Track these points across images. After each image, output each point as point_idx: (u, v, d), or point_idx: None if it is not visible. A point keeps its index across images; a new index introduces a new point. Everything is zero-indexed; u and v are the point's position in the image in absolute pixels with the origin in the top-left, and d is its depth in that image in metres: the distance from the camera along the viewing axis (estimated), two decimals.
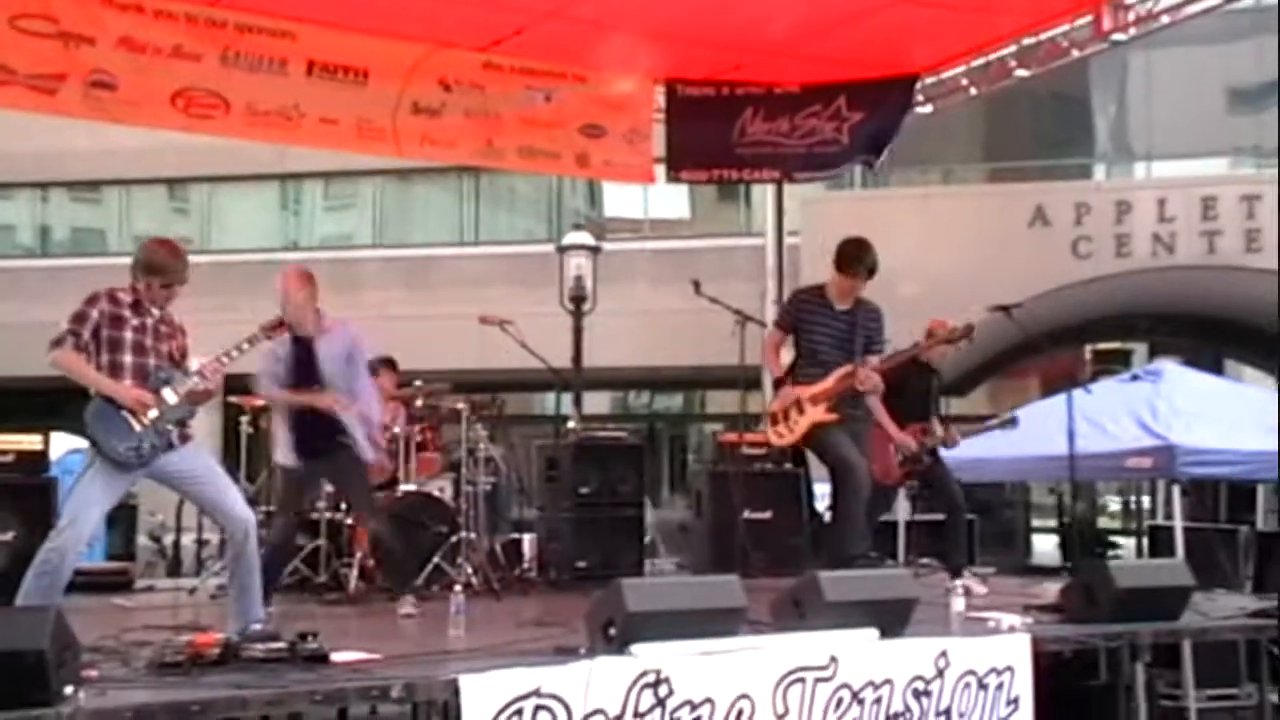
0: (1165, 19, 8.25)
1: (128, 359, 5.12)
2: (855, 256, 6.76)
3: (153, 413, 5.07)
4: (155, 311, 5.24)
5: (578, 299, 12.58)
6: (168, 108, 7.74)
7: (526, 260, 17.84)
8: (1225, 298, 15.61)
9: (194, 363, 5.33)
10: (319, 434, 6.28)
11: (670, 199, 19.42)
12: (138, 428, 5.04)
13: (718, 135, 9.36)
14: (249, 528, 5.20)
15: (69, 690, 3.57)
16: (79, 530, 4.96)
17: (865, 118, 9.24)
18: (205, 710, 3.73)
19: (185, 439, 5.22)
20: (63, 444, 8.04)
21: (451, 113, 8.62)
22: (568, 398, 10.68)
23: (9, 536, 6.53)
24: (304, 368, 6.28)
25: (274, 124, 8.12)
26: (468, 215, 20.63)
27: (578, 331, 12.23)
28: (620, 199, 19.92)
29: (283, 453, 6.39)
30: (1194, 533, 9.14)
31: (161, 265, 5.25)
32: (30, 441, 7.06)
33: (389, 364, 8.39)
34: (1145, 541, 12.29)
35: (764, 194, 12.40)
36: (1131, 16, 8.27)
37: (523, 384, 14.90)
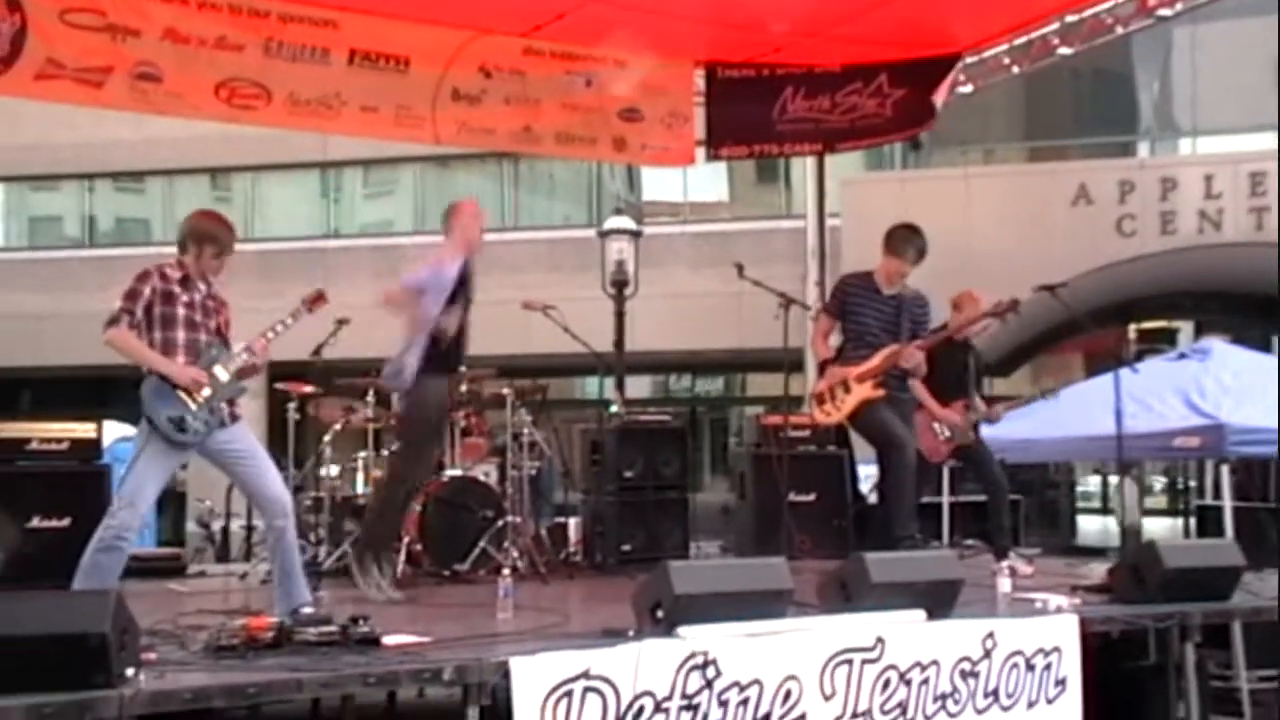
0: None
1: (180, 335, 5.18)
2: (905, 240, 6.80)
3: (206, 391, 5.14)
4: (202, 287, 5.30)
5: (619, 283, 12.59)
6: (211, 99, 7.80)
7: (567, 245, 17.90)
8: (1274, 274, 15.42)
9: (237, 346, 5.38)
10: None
11: (709, 182, 19.40)
12: (193, 406, 5.10)
13: (758, 113, 9.34)
14: (287, 510, 5.24)
15: (129, 672, 3.64)
16: (137, 509, 5.04)
17: (907, 94, 9.19)
18: (261, 692, 3.81)
19: (235, 417, 5.29)
20: (112, 432, 8.14)
21: (491, 99, 8.64)
22: (609, 381, 10.70)
23: (64, 523, 6.64)
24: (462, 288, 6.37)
25: (315, 113, 8.17)
26: (508, 201, 20.70)
27: (619, 315, 12.24)
28: (659, 182, 19.91)
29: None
30: (1244, 512, 9.05)
31: (212, 233, 5.31)
32: (84, 430, 7.16)
33: None
34: (1193, 521, 12.17)
35: (803, 176, 12.37)
36: None
37: (564, 368, 14.99)
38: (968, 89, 9.52)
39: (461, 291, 6.31)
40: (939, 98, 9.06)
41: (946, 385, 7.34)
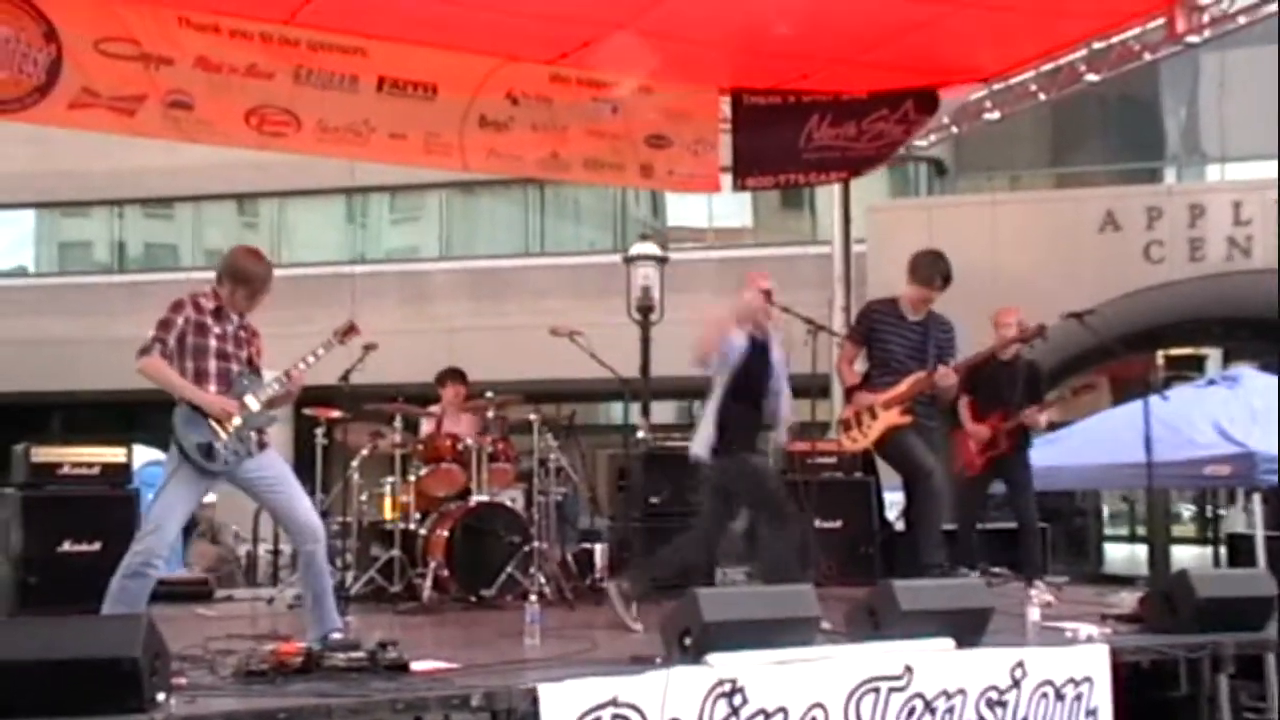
0: (1241, 19, 8.12)
1: (212, 365, 5.22)
2: (930, 266, 6.81)
3: (237, 420, 5.17)
4: (235, 318, 5.34)
5: (645, 309, 12.59)
6: (242, 126, 7.90)
7: (592, 271, 17.92)
8: None
9: (268, 374, 5.42)
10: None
11: (733, 208, 19.42)
12: (223, 435, 5.14)
13: (785, 142, 9.37)
14: (318, 536, 5.26)
15: (161, 697, 3.65)
16: (164, 535, 5.07)
17: (932, 120, 9.21)
18: (290, 717, 3.80)
19: (263, 445, 5.31)
20: (141, 456, 8.20)
21: (519, 126, 8.71)
22: (635, 407, 10.69)
23: (95, 547, 6.68)
24: (759, 367, 6.31)
25: (344, 140, 8.26)
26: (533, 226, 20.78)
27: (645, 341, 12.25)
28: (683, 209, 19.96)
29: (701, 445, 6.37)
30: (1276, 541, 8.96)
31: (250, 274, 5.34)
32: (114, 454, 7.21)
33: (457, 375, 8.47)
34: (1224, 551, 12.06)
35: (828, 202, 12.35)
36: (1206, 18, 8.13)
37: (590, 394, 14.98)
38: (995, 115, 9.53)
39: (758, 362, 6.29)
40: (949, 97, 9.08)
41: (985, 402, 7.44)
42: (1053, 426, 10.55)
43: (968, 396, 7.40)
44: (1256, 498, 9.22)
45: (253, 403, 5.25)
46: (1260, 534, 8.87)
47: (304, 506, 5.31)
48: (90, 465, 7.09)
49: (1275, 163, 16.95)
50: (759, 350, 6.28)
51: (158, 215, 22.59)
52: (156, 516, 5.11)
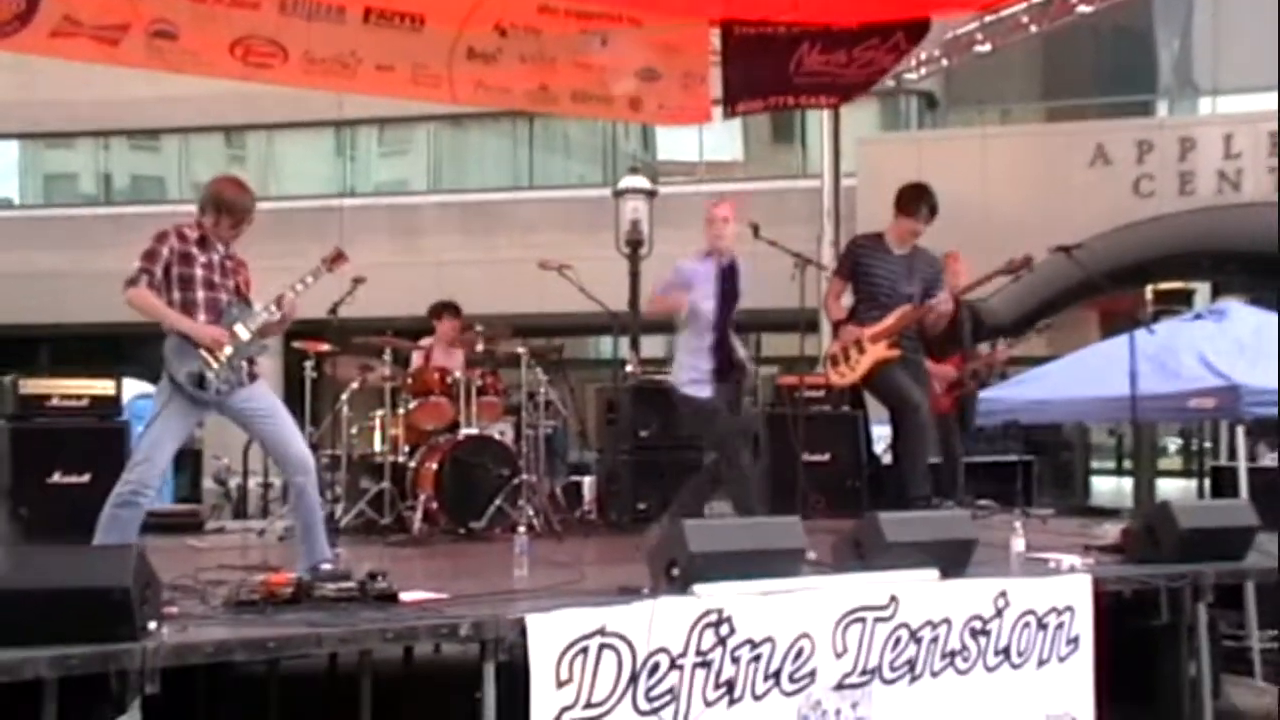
0: None
1: (200, 295, 5.18)
2: (916, 199, 6.80)
3: (228, 350, 5.15)
4: (220, 248, 5.29)
5: (634, 243, 12.55)
6: (227, 57, 7.80)
7: (582, 204, 17.85)
8: None
9: (258, 304, 5.40)
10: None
11: (723, 141, 19.32)
12: (214, 365, 5.11)
13: (774, 67, 9.31)
14: (308, 468, 5.26)
15: (152, 625, 3.68)
16: (155, 465, 5.06)
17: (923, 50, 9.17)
18: (280, 646, 3.85)
19: (254, 376, 5.30)
20: (130, 389, 8.21)
21: (506, 58, 8.63)
22: (624, 341, 10.70)
23: (85, 479, 6.71)
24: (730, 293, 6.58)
25: (331, 72, 8.17)
26: (522, 160, 20.65)
27: (634, 275, 12.23)
28: (674, 142, 19.84)
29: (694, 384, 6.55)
30: (1258, 473, 9.02)
31: (233, 203, 5.28)
32: (104, 387, 7.22)
33: (451, 309, 8.46)
34: (1207, 482, 12.16)
35: (819, 135, 12.31)
36: None
37: (579, 328, 14.99)
38: (986, 48, 9.47)
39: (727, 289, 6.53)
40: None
41: (940, 343, 7.51)
42: (1023, 362, 10.74)
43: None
44: (1240, 430, 9.27)
45: (243, 331, 5.22)
46: (1243, 466, 8.93)
47: (295, 439, 5.30)
48: (79, 397, 7.11)
49: (1267, 95, 16.94)
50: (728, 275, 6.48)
51: (144, 147, 22.40)
52: (147, 447, 5.10)
